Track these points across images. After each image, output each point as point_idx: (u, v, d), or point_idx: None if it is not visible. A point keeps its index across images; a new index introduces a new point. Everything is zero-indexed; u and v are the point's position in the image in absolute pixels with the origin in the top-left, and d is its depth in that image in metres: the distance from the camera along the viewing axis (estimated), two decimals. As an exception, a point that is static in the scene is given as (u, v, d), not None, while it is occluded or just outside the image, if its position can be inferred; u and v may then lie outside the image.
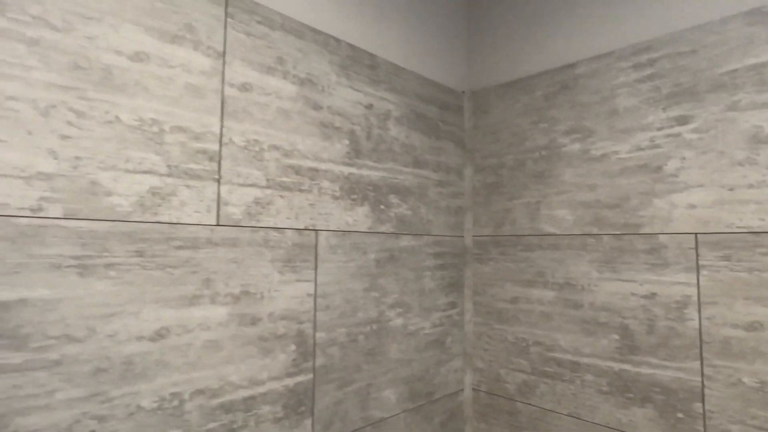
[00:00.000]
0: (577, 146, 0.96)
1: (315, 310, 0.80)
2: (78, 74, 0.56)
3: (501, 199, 1.09)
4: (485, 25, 1.17)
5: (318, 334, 0.80)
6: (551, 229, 0.99)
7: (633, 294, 0.86)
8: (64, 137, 0.55)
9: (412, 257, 1.00)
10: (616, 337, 0.87)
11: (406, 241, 0.99)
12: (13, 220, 0.50)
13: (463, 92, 1.18)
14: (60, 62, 0.55)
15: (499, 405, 1.05)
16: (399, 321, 0.96)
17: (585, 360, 0.91)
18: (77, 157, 0.55)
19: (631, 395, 0.85)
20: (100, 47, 0.58)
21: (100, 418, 0.55)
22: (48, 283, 0.52)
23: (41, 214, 0.52)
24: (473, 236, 1.14)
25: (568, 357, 0.93)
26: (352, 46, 0.91)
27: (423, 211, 1.04)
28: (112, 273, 0.57)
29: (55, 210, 0.53)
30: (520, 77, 1.08)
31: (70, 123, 0.55)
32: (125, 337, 0.58)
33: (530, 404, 0.99)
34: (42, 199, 0.53)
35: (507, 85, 1.10)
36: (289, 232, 0.77)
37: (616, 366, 0.87)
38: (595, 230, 0.92)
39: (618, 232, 0.88)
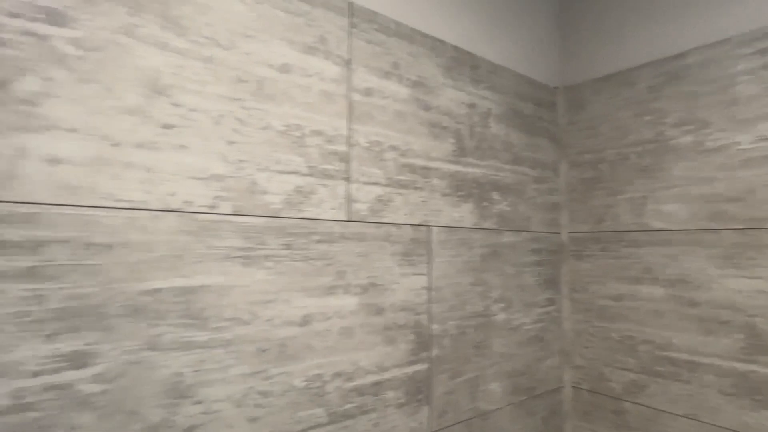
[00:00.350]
0: (688, 138, 0.93)
1: (429, 302, 0.84)
2: (239, 86, 0.63)
3: (600, 194, 1.07)
4: (577, 20, 1.16)
5: (433, 326, 0.84)
6: (660, 225, 0.96)
7: (761, 291, 0.81)
8: (231, 143, 0.62)
9: (513, 253, 1.01)
10: (741, 336, 0.83)
11: (507, 237, 1.00)
12: (196, 216, 0.58)
13: (557, 88, 1.17)
14: (226, 76, 0.62)
15: (604, 404, 1.03)
16: (502, 316, 0.97)
17: (704, 360, 0.88)
18: (241, 160, 0.62)
19: (761, 397, 0.81)
20: (255, 61, 0.65)
21: (263, 393, 0.62)
22: (222, 272, 0.59)
23: (216, 211, 0.59)
24: (569, 233, 1.13)
25: (684, 356, 0.90)
26: (455, 47, 0.93)
27: (522, 208, 1.04)
28: (268, 264, 0.64)
29: (226, 207, 0.60)
30: (620, 70, 1.05)
31: (235, 130, 0.62)
32: (280, 322, 0.64)
33: (640, 404, 0.96)
34: (216, 197, 0.60)
35: (604, 79, 1.08)
36: (406, 228, 0.81)
37: (742, 366, 0.83)
38: (713, 225, 0.88)
39: (742, 227, 0.85)
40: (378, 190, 0.78)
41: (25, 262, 0.46)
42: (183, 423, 0.55)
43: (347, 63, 0.75)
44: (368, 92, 0.78)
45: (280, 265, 0.65)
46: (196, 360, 0.56)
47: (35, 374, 0.46)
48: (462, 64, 0.94)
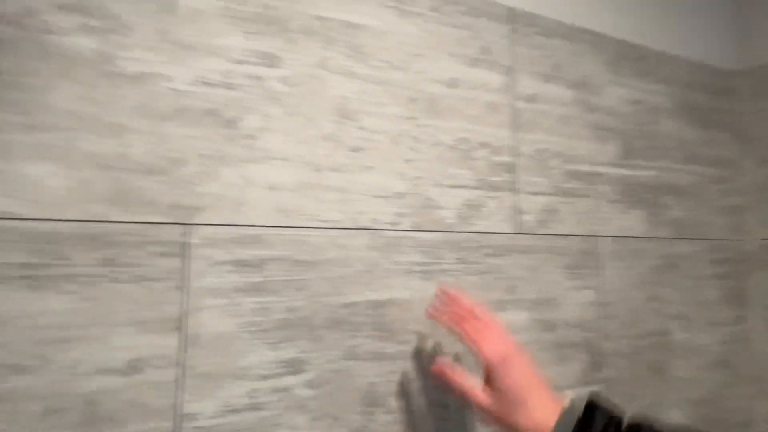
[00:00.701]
0: None
1: (600, 318, 0.77)
2: (413, 105, 0.65)
3: (804, 194, 0.89)
4: (765, -11, 0.99)
5: (605, 344, 0.77)
6: None
7: None
8: (408, 161, 0.64)
9: (691, 264, 0.90)
10: None
11: (683, 246, 0.89)
12: (382, 233, 0.61)
13: (738, 72, 1.01)
14: (401, 96, 0.64)
15: (819, 446, 0.86)
16: (680, 335, 0.87)
17: None
18: (417, 177, 0.64)
19: None
20: (426, 79, 0.66)
21: (443, 407, 0.62)
22: (405, 286, 0.61)
23: (398, 228, 0.62)
24: (761, 239, 0.96)
25: None
26: (618, 41, 0.86)
27: (699, 213, 0.92)
28: (445, 278, 0.64)
29: (406, 223, 0.62)
30: (830, 43, 0.87)
31: (411, 148, 0.64)
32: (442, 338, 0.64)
33: None
34: (397, 214, 0.62)
35: (807, 56, 0.90)
36: (573, 239, 0.76)
37: None
38: None
39: None
40: (544, 200, 0.74)
41: (254, 278, 0.52)
42: (378, 431, 0.58)
43: (509, 71, 0.73)
44: (531, 99, 0.75)
45: (456, 280, 0.65)
46: (386, 371, 0.59)
47: (264, 378, 0.52)
48: (626, 57, 0.86)
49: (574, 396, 0.61)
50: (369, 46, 0.62)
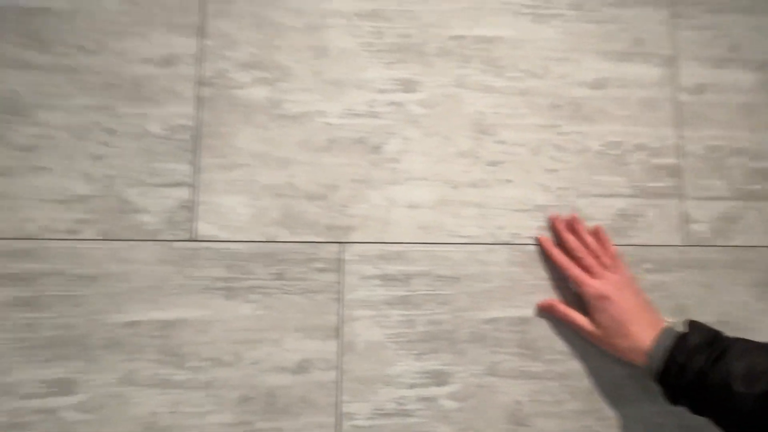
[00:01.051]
0: None
1: (810, 349, 0.63)
2: (555, 112, 0.62)
3: None
4: None
5: (817, 382, 0.62)
6: None
7: None
8: (550, 171, 0.61)
9: None
10: None
11: None
12: (524, 247, 0.59)
13: None
14: (541, 105, 0.61)
15: None
16: None
17: None
18: (561, 188, 0.61)
19: None
20: (568, 83, 0.62)
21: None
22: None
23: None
24: None
25: None
26: (826, 2, 0.69)
27: None
28: (595, 295, 0.59)
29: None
30: None
31: (552, 158, 0.61)
32: (609, 359, 0.59)
33: None
34: (540, 228, 0.60)
35: None
36: (765, 251, 0.64)
37: None
38: None
39: None
40: (721, 206, 0.63)
41: (399, 291, 0.56)
42: (524, 451, 0.56)
43: (670, 60, 0.65)
44: (699, 89, 0.65)
45: (608, 297, 0.60)
46: (531, 390, 0.57)
47: (411, 386, 0.55)
48: (839, 21, 0.69)
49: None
50: (505, 58, 0.61)
